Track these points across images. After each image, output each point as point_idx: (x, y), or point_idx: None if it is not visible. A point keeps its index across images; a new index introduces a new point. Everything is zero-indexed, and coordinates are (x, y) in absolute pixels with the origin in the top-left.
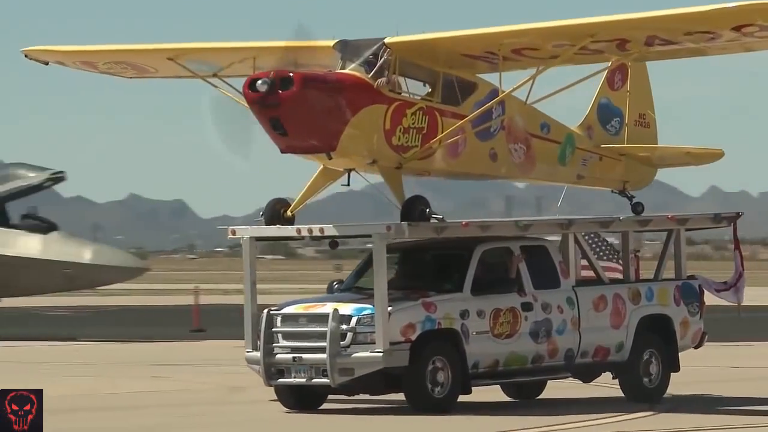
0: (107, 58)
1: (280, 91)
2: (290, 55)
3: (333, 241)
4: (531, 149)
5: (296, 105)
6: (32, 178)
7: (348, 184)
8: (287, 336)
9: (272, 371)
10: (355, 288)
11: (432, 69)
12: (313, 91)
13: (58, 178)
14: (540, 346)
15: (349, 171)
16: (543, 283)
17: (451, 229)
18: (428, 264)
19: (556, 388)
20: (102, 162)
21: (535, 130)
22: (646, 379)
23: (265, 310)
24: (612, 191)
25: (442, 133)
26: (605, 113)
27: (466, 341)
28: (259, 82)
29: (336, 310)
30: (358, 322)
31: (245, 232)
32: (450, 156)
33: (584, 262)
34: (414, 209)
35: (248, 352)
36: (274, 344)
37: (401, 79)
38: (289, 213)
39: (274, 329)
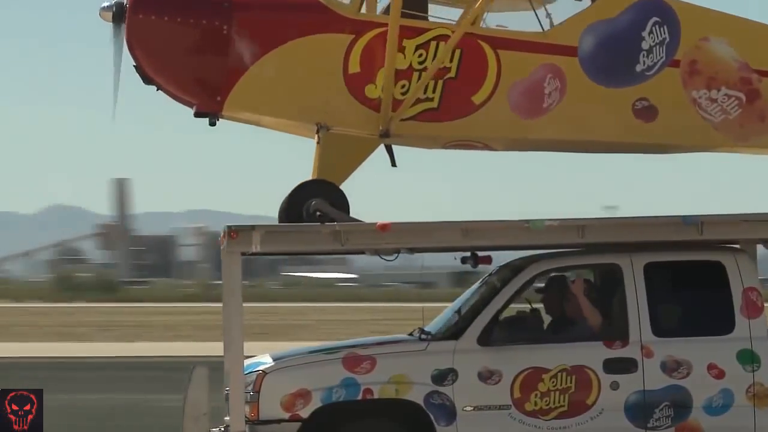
0: None
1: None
2: None
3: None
4: (761, 97)
5: (140, 38)
6: None
7: None
8: None
9: None
10: None
11: None
12: (159, 15)
13: None
14: None
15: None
16: (691, 327)
17: (356, 236)
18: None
19: None
20: None
21: None
22: None
23: None
24: None
25: (496, 77)
26: None
27: (445, 422)
28: (105, 5)
29: (197, 366)
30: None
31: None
32: (522, 113)
33: None
34: (298, 203)
35: None
36: None
37: None
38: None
39: None
